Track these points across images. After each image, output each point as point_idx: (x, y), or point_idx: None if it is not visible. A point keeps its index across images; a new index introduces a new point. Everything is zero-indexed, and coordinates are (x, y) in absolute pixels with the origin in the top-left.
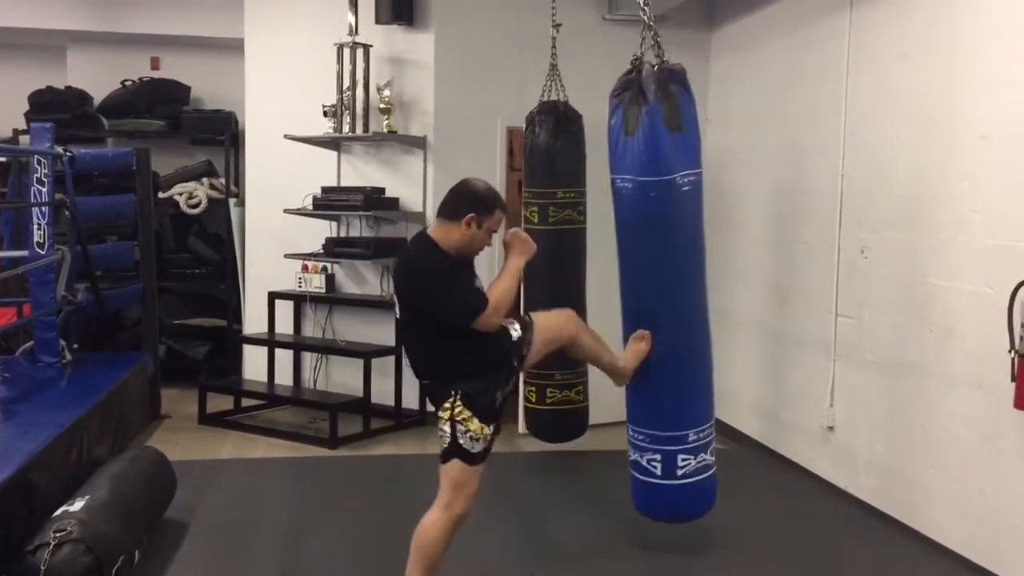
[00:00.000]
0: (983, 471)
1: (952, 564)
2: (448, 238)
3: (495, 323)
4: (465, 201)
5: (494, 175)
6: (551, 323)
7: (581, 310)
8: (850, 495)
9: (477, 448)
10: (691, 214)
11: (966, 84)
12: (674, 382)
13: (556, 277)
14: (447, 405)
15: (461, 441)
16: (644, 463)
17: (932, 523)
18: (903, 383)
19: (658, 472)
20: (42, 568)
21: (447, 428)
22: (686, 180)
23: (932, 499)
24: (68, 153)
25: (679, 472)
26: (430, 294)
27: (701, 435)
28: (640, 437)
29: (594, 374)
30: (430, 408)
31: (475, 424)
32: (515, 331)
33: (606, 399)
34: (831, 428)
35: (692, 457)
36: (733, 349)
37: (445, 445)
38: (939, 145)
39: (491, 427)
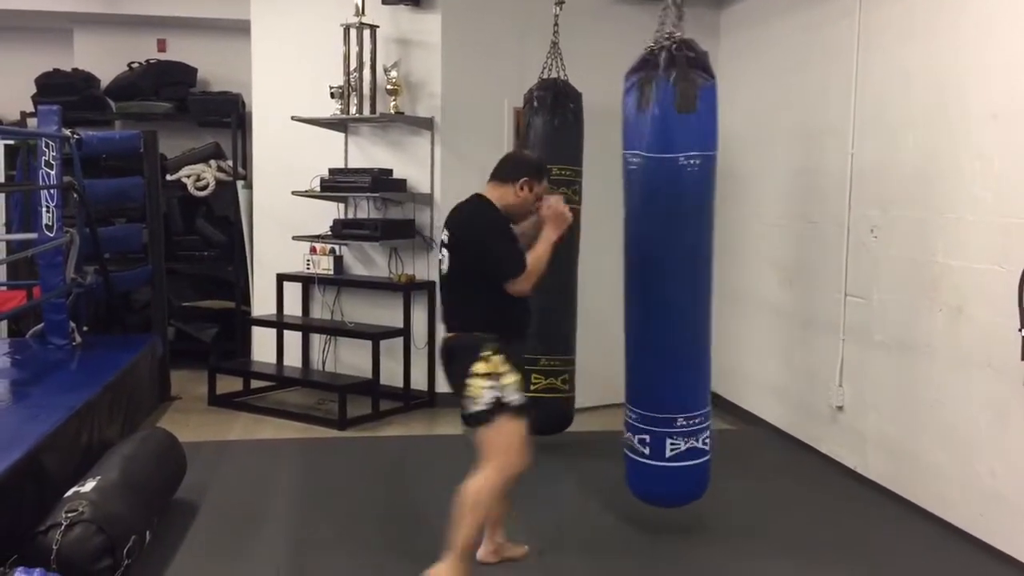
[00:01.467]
0: (993, 450)
1: (962, 544)
2: (503, 199)
3: (527, 289)
4: (522, 165)
5: (501, 155)
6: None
7: (571, 287)
8: (859, 475)
9: (519, 400)
10: (696, 195)
11: (976, 63)
12: (673, 363)
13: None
14: (481, 364)
15: (502, 395)
16: (635, 443)
17: (942, 503)
18: (912, 363)
19: (647, 452)
20: (54, 548)
21: (486, 383)
22: (690, 161)
23: (942, 479)
24: (76, 136)
25: (668, 455)
26: (487, 242)
27: (692, 421)
28: (633, 417)
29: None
30: (439, 389)
31: (512, 377)
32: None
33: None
34: (840, 408)
35: (682, 441)
36: (742, 329)
37: (484, 405)
38: (949, 124)
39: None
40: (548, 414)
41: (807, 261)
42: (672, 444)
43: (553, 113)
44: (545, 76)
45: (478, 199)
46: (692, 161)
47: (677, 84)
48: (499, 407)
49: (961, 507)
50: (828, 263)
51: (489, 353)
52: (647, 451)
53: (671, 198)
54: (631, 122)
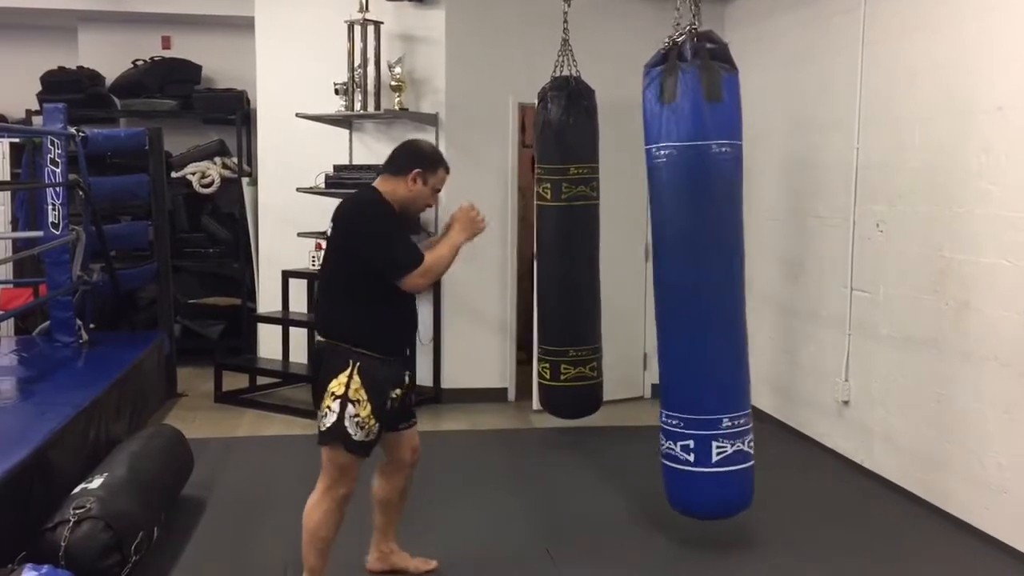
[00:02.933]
0: (999, 444)
1: (969, 537)
2: (394, 192)
3: (422, 285)
4: (412, 157)
5: (506, 151)
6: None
7: (593, 285)
8: (865, 469)
9: (359, 436)
10: (729, 183)
11: (982, 55)
12: (712, 359)
13: (568, 253)
14: (343, 378)
15: (346, 423)
16: (677, 450)
17: (948, 497)
18: (918, 357)
19: (691, 459)
20: (62, 545)
21: (335, 406)
22: (722, 149)
23: (948, 473)
24: (81, 133)
25: (714, 460)
26: (367, 239)
27: (737, 422)
28: (673, 422)
29: (608, 350)
30: (444, 385)
31: (366, 411)
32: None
33: (620, 375)
34: (846, 402)
35: (728, 444)
36: (748, 323)
37: (327, 425)
38: (955, 117)
39: (378, 426)
40: (578, 400)
41: (813, 255)
42: (718, 447)
43: (567, 110)
44: (557, 73)
45: (367, 191)
46: (724, 149)
47: (703, 73)
48: (340, 432)
49: (967, 500)
50: (834, 257)
51: (350, 371)
52: (691, 457)
53: (706, 186)
54: (655, 115)
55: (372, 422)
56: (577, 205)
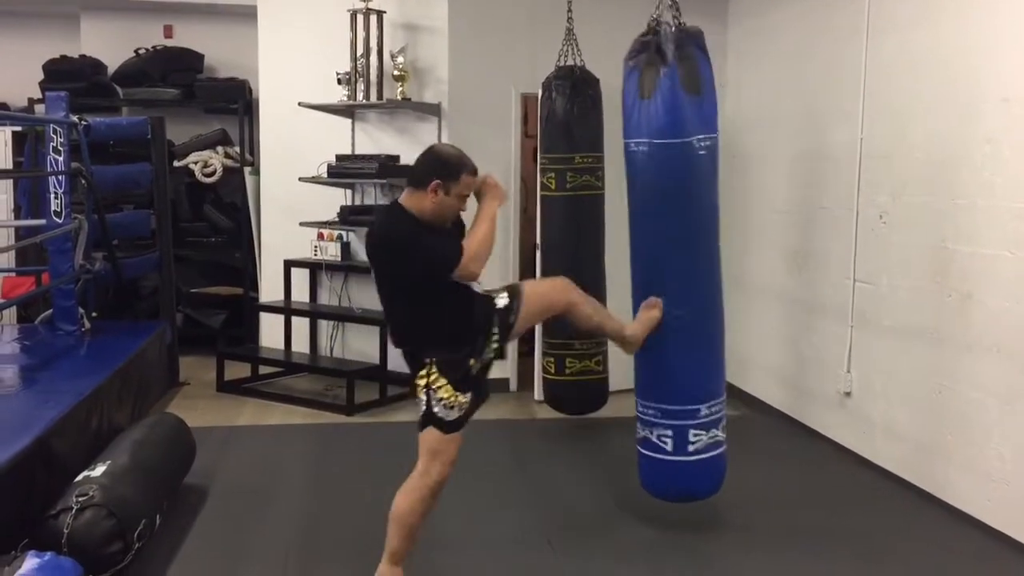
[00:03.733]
0: (1001, 436)
1: (971, 529)
2: (420, 207)
3: (476, 271)
4: (430, 168)
5: (508, 141)
6: (542, 290)
7: (599, 276)
8: (867, 461)
9: (452, 416)
10: (707, 179)
11: (987, 46)
12: (685, 353)
13: (574, 243)
14: (423, 373)
15: (435, 409)
16: (654, 439)
17: (951, 488)
18: (921, 348)
19: (668, 448)
20: (65, 532)
21: (423, 396)
22: (702, 144)
23: (951, 464)
24: (83, 122)
25: (690, 448)
26: (404, 253)
27: (713, 409)
28: (650, 412)
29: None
30: None
31: (448, 391)
32: (502, 299)
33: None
34: (848, 394)
35: (704, 432)
36: (750, 315)
37: (421, 413)
38: (960, 108)
39: (467, 396)
40: (584, 394)
41: (816, 247)
42: (695, 435)
43: (572, 100)
44: (561, 63)
45: (393, 208)
46: (703, 144)
47: (683, 66)
48: (431, 417)
49: (969, 492)
50: (837, 249)
51: (428, 366)
52: (668, 446)
53: (685, 181)
54: (634, 110)
55: (456, 397)
56: (582, 195)
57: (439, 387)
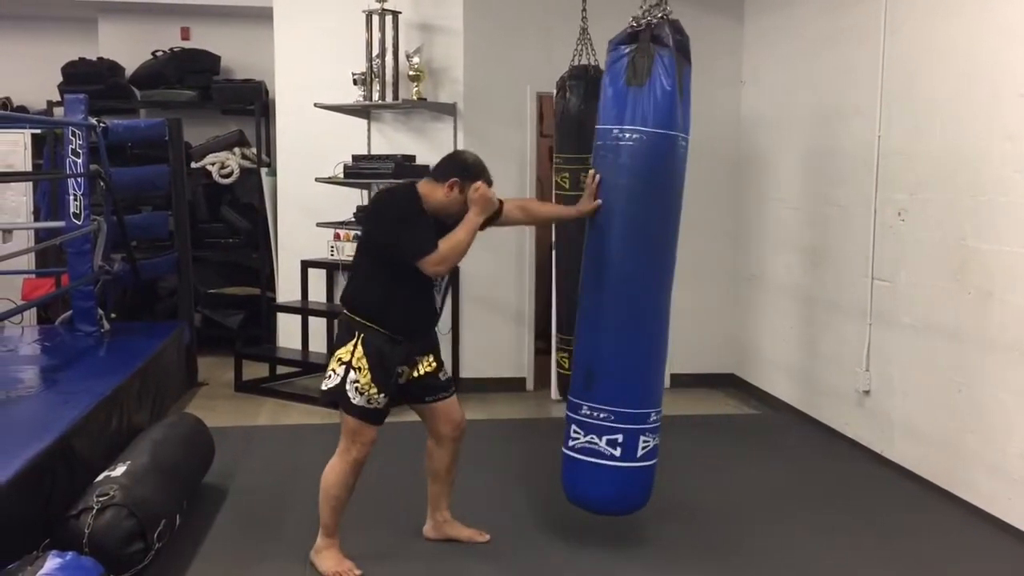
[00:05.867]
0: (1021, 434)
1: (991, 527)
2: (431, 195)
3: (441, 270)
4: (453, 166)
5: (524, 141)
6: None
7: None
8: (886, 459)
9: (358, 401)
10: (682, 175)
11: (1006, 41)
12: (649, 353)
13: None
14: (349, 347)
15: (347, 387)
16: (602, 444)
17: (971, 488)
18: (940, 347)
19: (617, 454)
20: (86, 532)
21: (340, 370)
22: (681, 142)
23: (970, 463)
24: (102, 124)
25: (639, 454)
26: (389, 222)
27: (659, 415)
28: (601, 415)
29: None
30: (462, 375)
31: (366, 378)
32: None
33: None
34: (867, 392)
35: (652, 438)
36: (766, 312)
37: (328, 386)
38: (979, 104)
39: (382, 396)
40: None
41: (833, 244)
42: (644, 441)
43: (586, 100)
44: (575, 62)
45: (405, 186)
46: (683, 142)
47: (676, 62)
48: (340, 394)
49: (989, 491)
50: (854, 246)
51: (355, 341)
52: (618, 452)
53: (662, 177)
54: (619, 95)
55: (372, 390)
56: None
57: (360, 369)
